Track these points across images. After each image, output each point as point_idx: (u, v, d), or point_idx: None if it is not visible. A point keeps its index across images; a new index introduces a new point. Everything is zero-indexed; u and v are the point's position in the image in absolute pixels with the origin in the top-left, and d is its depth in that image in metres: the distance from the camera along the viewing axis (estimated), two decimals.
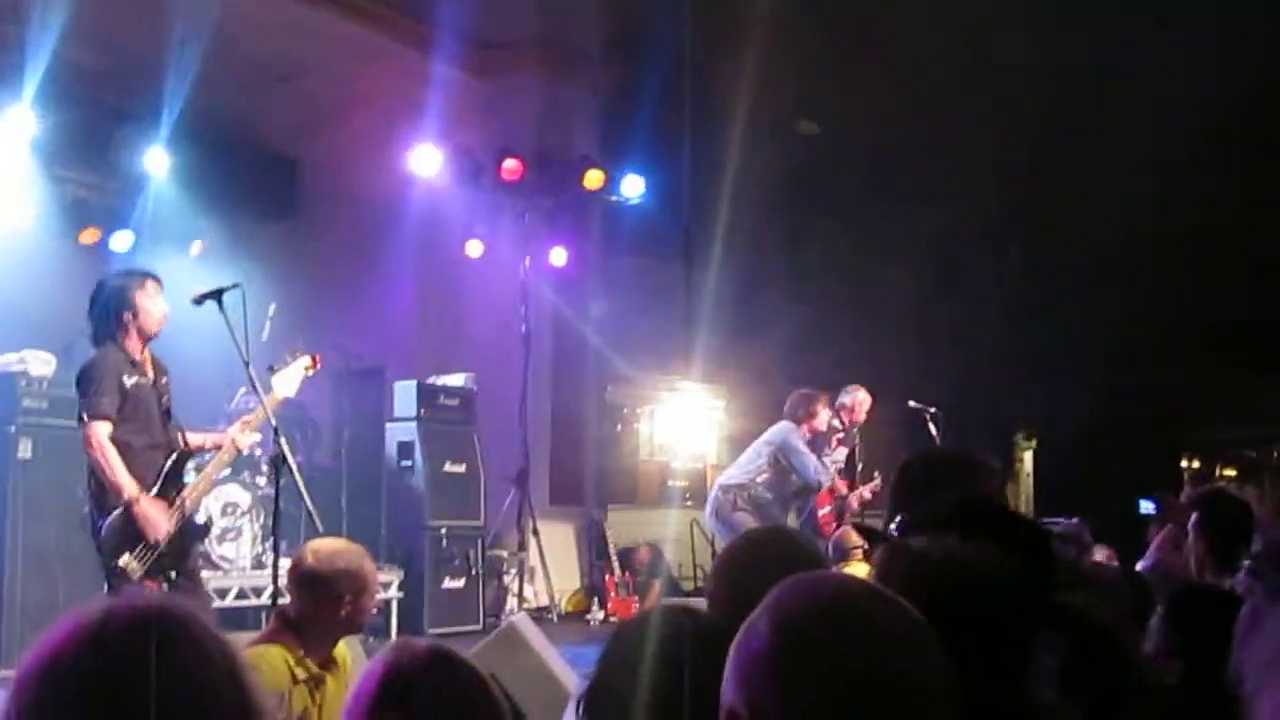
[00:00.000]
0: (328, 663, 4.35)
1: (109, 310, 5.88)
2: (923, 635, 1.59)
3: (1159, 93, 11.58)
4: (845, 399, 10.00)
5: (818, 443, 9.57)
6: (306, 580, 4.29)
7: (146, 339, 5.94)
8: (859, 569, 4.25)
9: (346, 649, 4.56)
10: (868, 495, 9.94)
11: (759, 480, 9.36)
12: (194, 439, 6.25)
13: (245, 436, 6.12)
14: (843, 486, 9.90)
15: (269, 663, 4.09)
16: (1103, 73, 12.12)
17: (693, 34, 11.66)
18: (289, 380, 6.24)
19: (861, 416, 10.07)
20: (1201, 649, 2.82)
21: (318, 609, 4.26)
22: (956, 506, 2.61)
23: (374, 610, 4.60)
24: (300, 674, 4.21)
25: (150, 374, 5.95)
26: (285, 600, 4.61)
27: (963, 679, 1.61)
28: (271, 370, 6.24)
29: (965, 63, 12.03)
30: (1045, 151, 12.88)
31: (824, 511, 9.84)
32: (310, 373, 6.40)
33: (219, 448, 6.13)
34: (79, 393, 5.83)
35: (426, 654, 2.16)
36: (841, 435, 9.87)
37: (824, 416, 9.51)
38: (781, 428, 9.44)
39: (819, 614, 1.58)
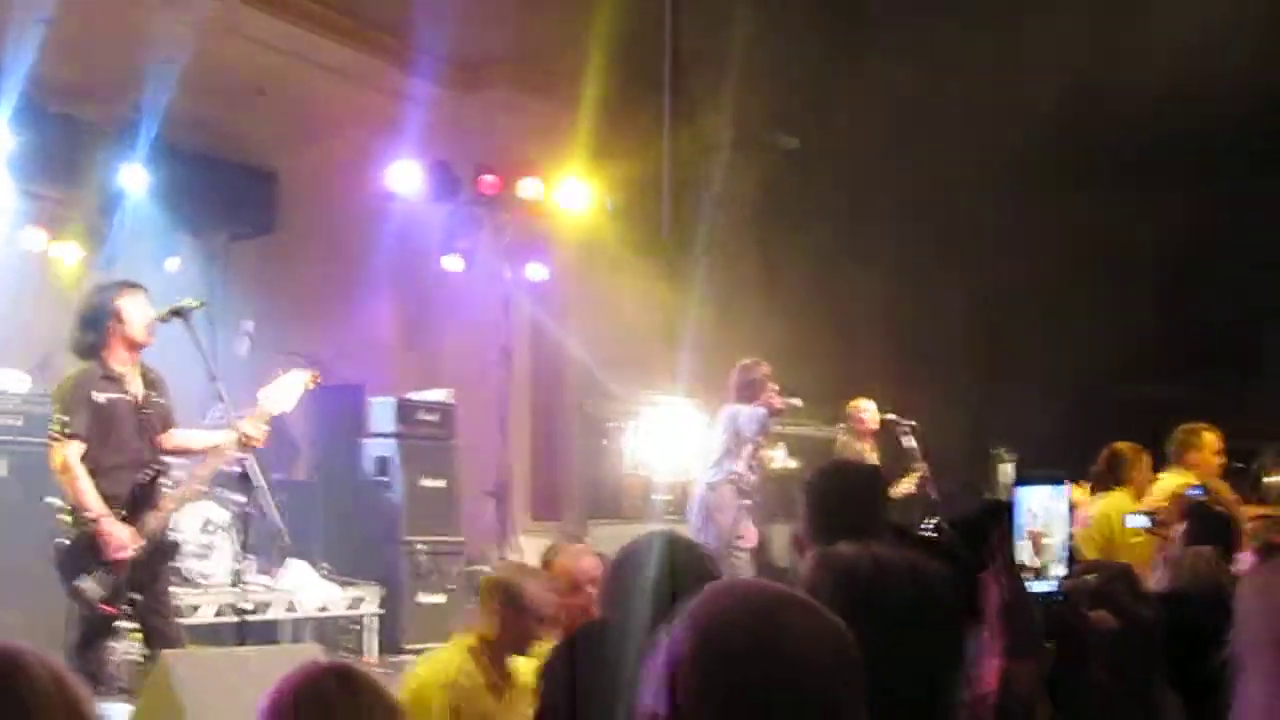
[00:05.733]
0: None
1: (92, 322, 5.87)
2: (839, 639, 1.64)
3: (1138, 99, 11.62)
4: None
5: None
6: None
7: (135, 348, 5.90)
8: None
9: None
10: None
11: (737, 469, 9.45)
12: (185, 437, 6.19)
13: (255, 427, 5.87)
14: None
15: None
16: (1084, 82, 12.15)
17: (670, 48, 11.68)
18: (283, 394, 6.06)
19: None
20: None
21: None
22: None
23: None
24: None
25: (134, 388, 5.91)
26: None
27: (887, 679, 1.66)
28: (262, 386, 6.17)
29: (943, 78, 12.07)
30: (1022, 162, 12.91)
31: None
32: (310, 388, 6.25)
33: (214, 450, 6.01)
34: (52, 411, 5.84)
35: (327, 671, 2.24)
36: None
37: (771, 387, 9.60)
38: (738, 413, 9.52)
39: (737, 619, 1.62)
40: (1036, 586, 2.86)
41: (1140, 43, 10.95)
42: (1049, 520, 2.91)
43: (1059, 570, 2.98)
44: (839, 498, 3.69)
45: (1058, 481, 3.01)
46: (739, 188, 12.18)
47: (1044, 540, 2.91)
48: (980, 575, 2.61)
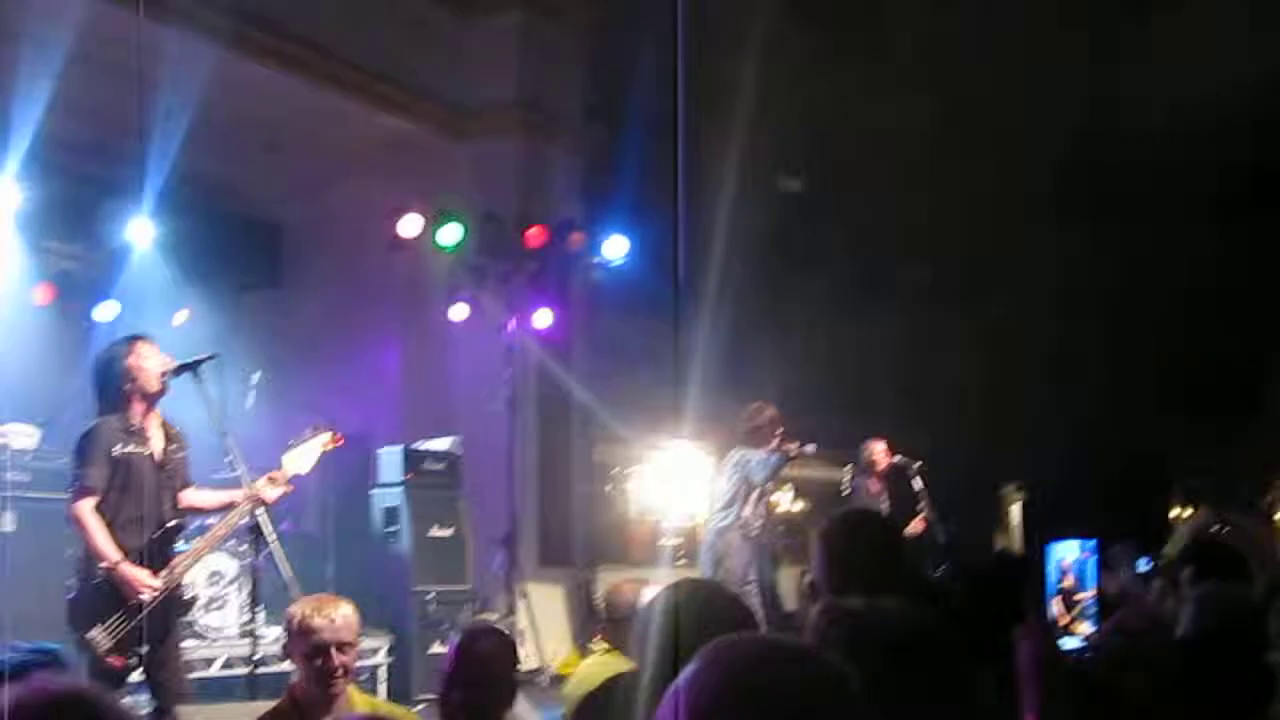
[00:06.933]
0: None
1: (107, 385, 5.93)
2: (845, 684, 1.70)
3: (1142, 139, 11.67)
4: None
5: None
6: None
7: (151, 400, 5.95)
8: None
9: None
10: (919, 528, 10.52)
11: (744, 514, 9.46)
12: (199, 497, 6.23)
13: (271, 489, 6.04)
14: None
15: None
16: (1089, 120, 12.20)
17: (675, 93, 11.72)
18: (303, 457, 6.21)
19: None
20: None
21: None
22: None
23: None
24: None
25: (154, 443, 5.95)
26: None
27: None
28: (288, 447, 6.23)
29: (949, 118, 12.12)
30: (1024, 206, 12.95)
31: None
32: (330, 449, 6.37)
33: (230, 506, 6.10)
34: (71, 464, 5.88)
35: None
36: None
37: (778, 431, 9.66)
38: (748, 458, 9.54)
39: (760, 666, 1.68)
40: (1066, 643, 2.84)
41: (1143, 83, 11.00)
42: (1079, 576, 2.90)
43: (1087, 627, 2.97)
44: (854, 548, 3.69)
45: (1087, 537, 3.01)
46: (745, 230, 12.20)
47: (1075, 597, 2.89)
48: (1002, 631, 2.59)
